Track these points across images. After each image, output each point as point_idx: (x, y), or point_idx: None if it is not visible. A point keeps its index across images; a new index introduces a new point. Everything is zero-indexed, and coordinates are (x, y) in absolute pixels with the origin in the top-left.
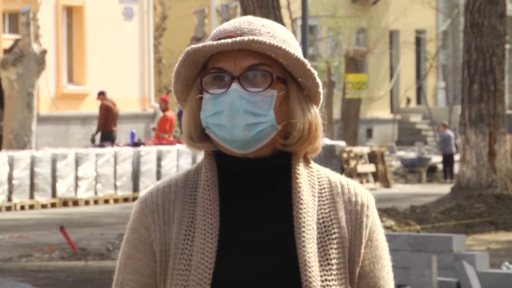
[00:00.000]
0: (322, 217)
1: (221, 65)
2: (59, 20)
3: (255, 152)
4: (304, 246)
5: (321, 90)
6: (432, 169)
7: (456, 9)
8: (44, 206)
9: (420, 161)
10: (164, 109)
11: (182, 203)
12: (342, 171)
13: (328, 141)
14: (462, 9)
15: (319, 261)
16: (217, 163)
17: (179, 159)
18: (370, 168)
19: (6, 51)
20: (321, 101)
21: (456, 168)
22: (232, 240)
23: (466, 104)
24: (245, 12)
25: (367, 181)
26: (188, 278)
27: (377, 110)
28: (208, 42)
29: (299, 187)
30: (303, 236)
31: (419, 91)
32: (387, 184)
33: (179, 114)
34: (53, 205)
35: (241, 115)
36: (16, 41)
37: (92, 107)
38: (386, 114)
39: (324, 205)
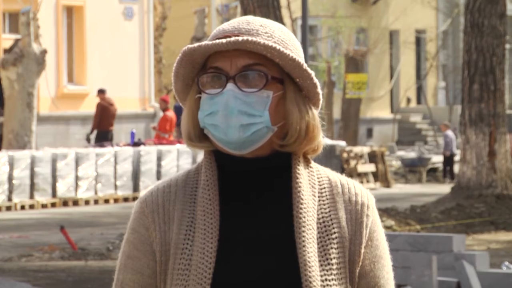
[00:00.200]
0: (322, 217)
1: (218, 64)
2: (59, 20)
3: (253, 152)
4: (304, 246)
5: (319, 90)
6: (432, 169)
7: (456, 9)
8: (44, 206)
9: (420, 161)
10: (164, 109)
11: (182, 203)
12: (342, 171)
13: (328, 141)
14: (462, 9)
15: (319, 261)
16: (217, 163)
17: (179, 159)
18: (370, 168)
19: (6, 51)
20: (320, 102)
21: (456, 168)
22: (232, 240)
23: (466, 104)
24: (245, 12)
25: (367, 181)
26: (188, 278)
27: (377, 110)
28: (204, 42)
29: (299, 187)
30: (303, 236)
31: (419, 91)
32: (387, 184)
33: (176, 108)
34: (53, 205)
35: (236, 116)
36: (16, 41)
37: (92, 107)
38: (386, 114)
39: (324, 204)
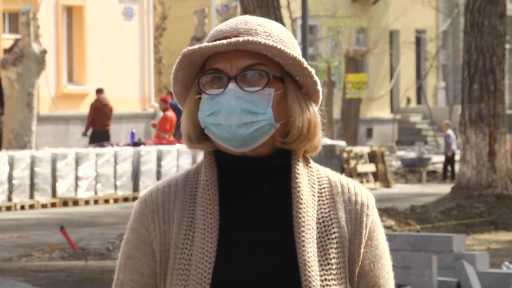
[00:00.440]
0: (322, 217)
1: (218, 65)
2: (59, 20)
3: (254, 151)
4: (303, 246)
5: (319, 88)
6: (433, 170)
7: (456, 9)
8: (44, 206)
9: (420, 161)
10: (164, 109)
11: (182, 202)
12: (342, 171)
13: (328, 141)
14: (462, 9)
15: (319, 260)
16: (217, 162)
17: (179, 159)
18: (370, 168)
19: (6, 51)
20: (320, 99)
21: (456, 168)
22: (232, 240)
23: (466, 104)
24: (245, 12)
25: (367, 181)
26: (188, 277)
27: (377, 110)
28: (204, 44)
29: (299, 186)
30: (303, 236)
31: (419, 91)
32: (387, 184)
33: (172, 106)
34: (53, 205)
35: (238, 114)
36: (16, 41)
37: None
38: (386, 114)
39: (324, 204)
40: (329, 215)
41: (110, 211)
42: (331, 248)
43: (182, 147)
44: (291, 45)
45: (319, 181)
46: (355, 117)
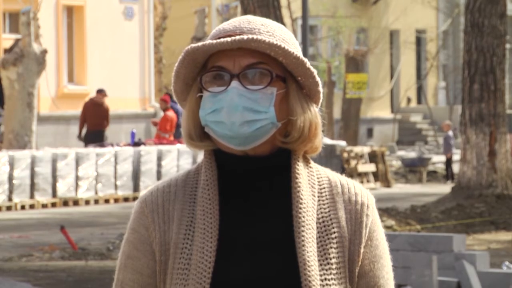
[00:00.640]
0: (322, 217)
1: (221, 63)
2: (59, 20)
3: (254, 149)
4: (303, 246)
5: (320, 88)
6: (433, 170)
7: (457, 9)
8: (44, 206)
9: (420, 161)
10: (165, 109)
11: (182, 202)
12: (342, 170)
13: (328, 141)
14: (462, 9)
15: (319, 260)
16: (217, 162)
17: (179, 159)
18: (370, 168)
19: (7, 51)
20: (320, 100)
21: (456, 168)
22: (231, 240)
23: (467, 104)
24: (245, 12)
25: (368, 181)
26: (187, 277)
27: (377, 110)
28: (207, 41)
29: (299, 186)
30: (303, 236)
31: (420, 91)
32: (387, 184)
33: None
34: (54, 204)
35: (240, 112)
36: (17, 41)
37: None
38: (386, 114)
39: (324, 204)
40: (329, 215)
41: (110, 211)
42: (331, 248)
43: (182, 147)
44: (293, 45)
45: (319, 181)
46: (356, 117)
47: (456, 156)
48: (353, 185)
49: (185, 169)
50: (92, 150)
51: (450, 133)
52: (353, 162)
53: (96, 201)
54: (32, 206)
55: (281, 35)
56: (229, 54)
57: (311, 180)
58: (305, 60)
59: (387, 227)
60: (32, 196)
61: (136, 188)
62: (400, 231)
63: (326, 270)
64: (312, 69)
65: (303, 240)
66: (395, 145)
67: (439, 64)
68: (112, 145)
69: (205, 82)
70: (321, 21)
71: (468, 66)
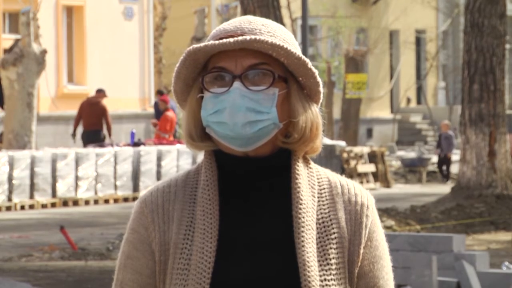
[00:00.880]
0: (322, 217)
1: (222, 64)
2: (59, 20)
3: (255, 150)
4: (303, 246)
5: (321, 89)
6: (433, 171)
7: (456, 9)
8: (44, 206)
9: (420, 161)
10: (164, 109)
11: (182, 203)
12: (342, 171)
13: (328, 141)
14: (462, 9)
15: (318, 261)
16: (217, 162)
17: (179, 159)
18: (370, 168)
19: (6, 51)
20: (321, 100)
21: (455, 168)
22: (231, 240)
23: (466, 104)
24: (245, 12)
25: (367, 181)
26: (187, 277)
27: (377, 110)
28: (209, 42)
29: (299, 187)
30: (302, 236)
31: (419, 91)
32: (387, 184)
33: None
34: (53, 205)
35: (243, 113)
36: (16, 41)
37: None
38: (386, 114)
39: (323, 205)
40: (329, 216)
41: (110, 211)
42: (331, 248)
43: (182, 147)
44: (294, 46)
45: (319, 182)
46: (355, 117)
47: (456, 156)
48: (352, 186)
49: (185, 169)
50: (92, 150)
51: (451, 132)
52: (352, 163)
53: (96, 201)
54: (31, 206)
55: (282, 36)
56: (231, 54)
57: (311, 181)
58: (307, 60)
59: (387, 227)
60: (31, 196)
61: (136, 188)
62: (400, 231)
63: (326, 270)
64: (313, 69)
65: (302, 241)
66: (395, 145)
67: (438, 64)
68: (111, 145)
69: (206, 82)
70: (321, 21)
71: (467, 66)
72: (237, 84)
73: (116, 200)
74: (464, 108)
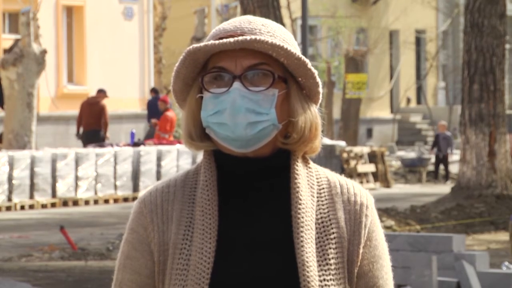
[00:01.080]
0: (321, 217)
1: (222, 64)
2: (59, 20)
3: (255, 151)
4: (302, 246)
5: (320, 89)
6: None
7: (456, 9)
8: (44, 206)
9: (420, 161)
10: (164, 109)
11: (181, 203)
12: (342, 171)
13: (328, 141)
14: (462, 9)
15: (318, 261)
16: (217, 163)
17: (179, 159)
18: (370, 168)
19: (6, 51)
20: (320, 101)
21: (455, 168)
22: (231, 240)
23: (466, 104)
24: (245, 12)
25: (367, 181)
26: (186, 278)
27: (377, 110)
28: (209, 42)
29: (298, 187)
30: (302, 236)
31: (419, 91)
32: (387, 184)
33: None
34: (53, 205)
35: (243, 114)
36: (16, 41)
37: None
38: (386, 114)
39: (323, 205)
40: (328, 216)
41: (110, 211)
42: (330, 248)
43: (182, 147)
44: (294, 46)
45: (318, 182)
46: (355, 117)
47: (456, 156)
48: (352, 186)
49: (184, 170)
50: (92, 150)
51: (449, 133)
52: (352, 162)
53: (96, 201)
54: (31, 206)
55: (281, 36)
56: (231, 54)
57: (310, 181)
58: (307, 60)
59: (386, 227)
60: (31, 196)
61: (135, 188)
62: (399, 231)
63: (325, 270)
64: (313, 69)
65: (302, 241)
66: (395, 145)
67: (438, 64)
68: (111, 145)
69: (205, 82)
70: (321, 21)
71: (467, 66)
72: (236, 84)
73: (116, 200)
74: (464, 108)
